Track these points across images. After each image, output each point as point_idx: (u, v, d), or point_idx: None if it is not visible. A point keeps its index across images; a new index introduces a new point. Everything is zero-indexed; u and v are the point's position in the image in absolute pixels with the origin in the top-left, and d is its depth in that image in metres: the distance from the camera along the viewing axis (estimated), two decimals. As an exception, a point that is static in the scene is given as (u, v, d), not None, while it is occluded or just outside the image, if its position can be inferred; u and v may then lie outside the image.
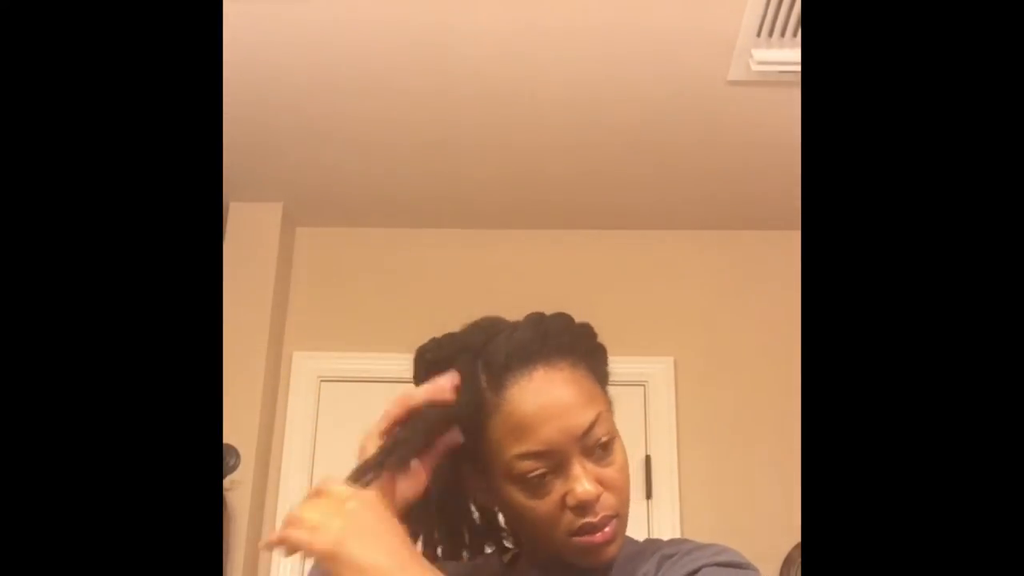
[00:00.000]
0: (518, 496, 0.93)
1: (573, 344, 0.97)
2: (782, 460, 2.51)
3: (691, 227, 2.90)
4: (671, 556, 0.95)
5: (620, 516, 0.95)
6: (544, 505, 0.93)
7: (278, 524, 0.84)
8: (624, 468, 0.95)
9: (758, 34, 2.10)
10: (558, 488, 0.92)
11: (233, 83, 2.28)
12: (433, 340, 1.01)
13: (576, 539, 0.93)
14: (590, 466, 0.92)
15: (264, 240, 2.86)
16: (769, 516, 2.53)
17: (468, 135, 2.54)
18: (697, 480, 2.68)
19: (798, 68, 2.03)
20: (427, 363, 0.98)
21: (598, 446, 0.93)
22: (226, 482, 2.49)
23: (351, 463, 0.92)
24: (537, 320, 0.98)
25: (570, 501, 0.92)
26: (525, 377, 0.93)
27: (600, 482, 0.93)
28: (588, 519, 0.92)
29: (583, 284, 2.75)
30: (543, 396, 0.93)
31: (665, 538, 1.03)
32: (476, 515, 1.04)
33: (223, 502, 2.48)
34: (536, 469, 0.92)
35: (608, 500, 0.93)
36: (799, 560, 2.52)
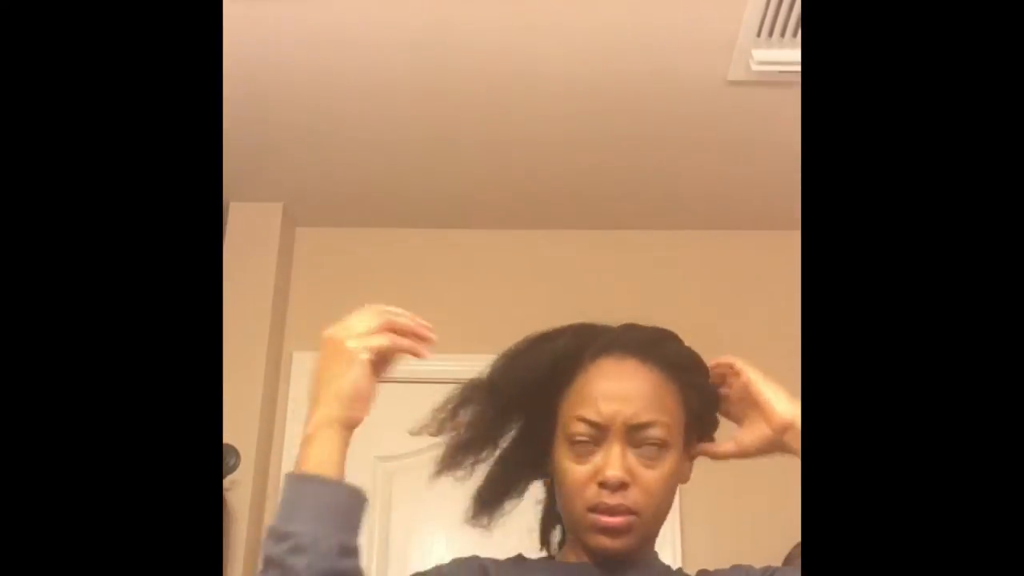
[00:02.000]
0: (565, 456, 1.01)
1: (667, 356, 1.05)
2: (782, 460, 2.51)
3: (691, 227, 2.89)
4: None
5: (641, 517, 0.99)
6: (580, 471, 1.00)
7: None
8: (667, 481, 1.01)
9: (758, 34, 2.10)
10: (596, 460, 0.99)
11: (233, 83, 2.28)
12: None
13: (591, 514, 0.99)
14: (632, 457, 1.00)
15: (264, 240, 2.86)
16: (769, 516, 2.53)
17: (468, 135, 2.53)
18: (696, 479, 2.67)
19: (798, 68, 2.03)
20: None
21: (648, 443, 1.00)
22: (226, 482, 2.48)
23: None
24: (638, 326, 1.09)
25: (599, 476, 0.99)
26: (614, 360, 1.03)
27: (633, 476, 0.99)
28: (606, 499, 0.98)
29: (583, 284, 2.75)
30: (618, 380, 1.02)
31: (662, 532, 1.07)
32: (528, 466, 1.10)
33: (223, 502, 2.48)
34: (584, 434, 1.00)
35: (635, 495, 0.99)
36: (799, 560, 2.52)
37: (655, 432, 1.01)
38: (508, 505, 1.10)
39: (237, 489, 2.56)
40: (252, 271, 2.80)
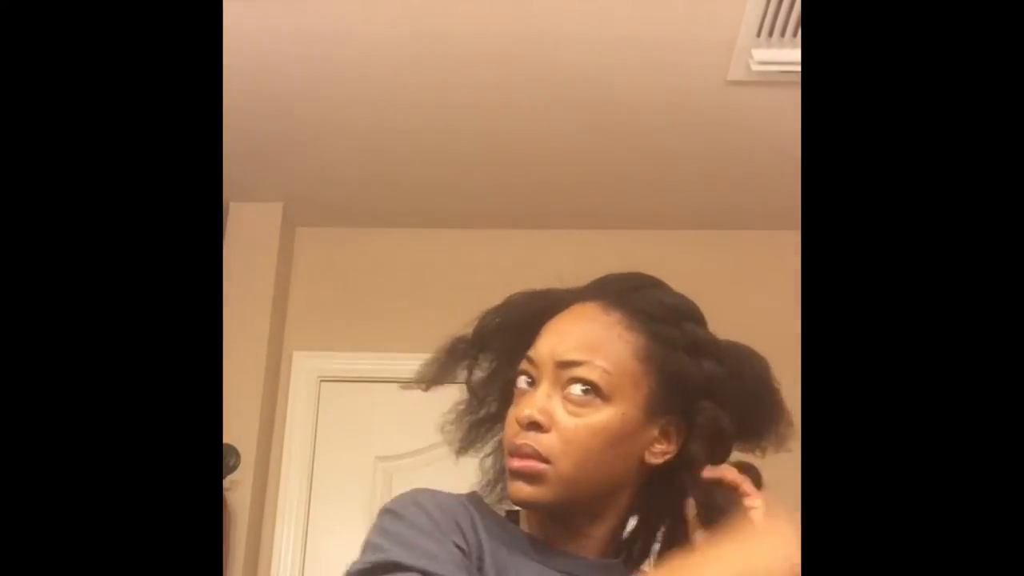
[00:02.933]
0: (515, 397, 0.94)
1: (640, 304, 0.95)
2: (781, 459, 2.51)
3: (691, 227, 2.89)
4: None
5: (555, 468, 0.89)
6: (511, 413, 0.93)
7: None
8: (596, 435, 0.89)
9: (758, 34, 2.10)
10: (524, 401, 0.91)
11: (233, 83, 2.28)
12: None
13: (509, 457, 0.91)
14: (557, 402, 0.90)
15: (264, 240, 2.86)
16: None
17: (468, 135, 2.53)
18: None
19: (798, 68, 2.03)
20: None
21: (576, 385, 0.89)
22: (226, 482, 2.48)
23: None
24: (621, 274, 1.02)
25: (517, 413, 0.91)
26: (580, 305, 0.96)
27: (551, 419, 0.89)
28: (516, 440, 0.90)
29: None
30: (568, 321, 0.94)
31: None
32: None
33: (223, 502, 2.48)
34: (525, 373, 0.93)
35: (548, 441, 0.89)
36: (799, 560, 2.51)
37: (584, 373, 0.89)
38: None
39: (237, 489, 2.56)
40: (252, 271, 2.80)
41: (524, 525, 0.97)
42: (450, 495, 0.93)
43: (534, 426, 0.89)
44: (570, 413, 0.89)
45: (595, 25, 2.12)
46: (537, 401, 0.90)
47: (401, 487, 1.00)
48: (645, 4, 2.05)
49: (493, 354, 1.01)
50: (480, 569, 0.88)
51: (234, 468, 2.47)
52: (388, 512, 0.90)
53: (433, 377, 1.01)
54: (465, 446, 1.02)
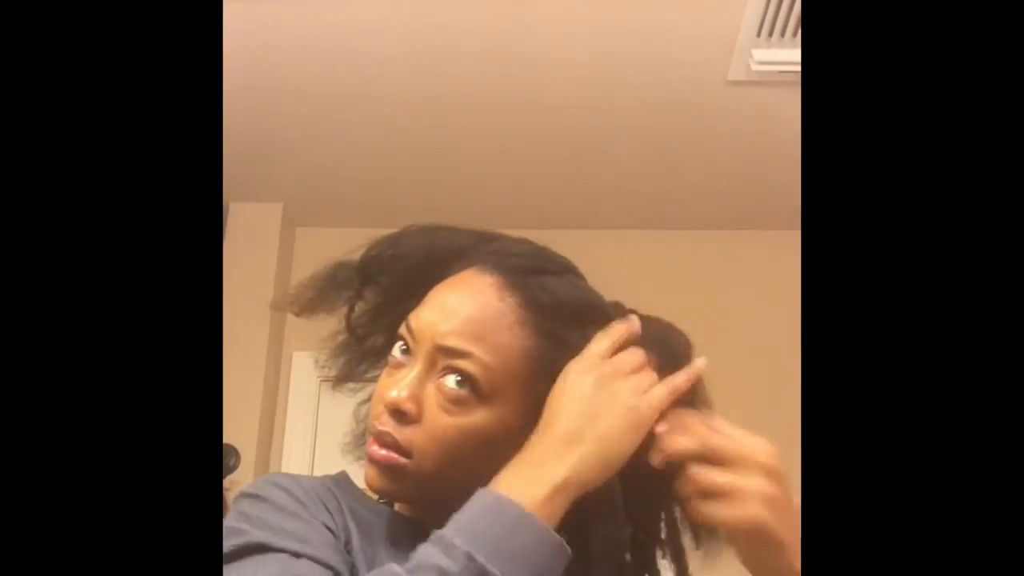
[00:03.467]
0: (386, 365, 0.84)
1: (543, 292, 0.83)
2: (781, 460, 2.51)
3: (691, 227, 2.89)
4: None
5: (413, 464, 0.79)
6: (382, 384, 0.83)
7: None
8: (462, 435, 0.78)
9: (758, 34, 2.10)
10: (395, 378, 0.81)
11: (233, 83, 2.28)
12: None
13: (369, 437, 0.82)
14: (431, 391, 0.79)
15: (264, 240, 2.86)
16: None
17: (467, 135, 2.54)
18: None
19: (798, 68, 2.03)
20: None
21: (452, 376, 0.78)
22: (226, 482, 2.48)
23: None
24: (536, 247, 0.91)
25: (384, 391, 0.80)
26: (476, 272, 0.84)
27: (421, 411, 0.79)
28: (382, 426, 0.79)
29: (583, 284, 2.75)
30: (458, 292, 0.82)
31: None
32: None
33: (223, 502, 2.48)
34: (401, 340, 0.82)
35: (412, 435, 0.79)
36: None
37: (463, 364, 0.78)
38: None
39: (237, 489, 2.55)
40: (252, 271, 2.80)
41: (398, 505, 0.88)
42: (313, 477, 0.87)
43: (399, 414, 0.79)
44: (441, 407, 0.79)
45: (595, 25, 2.12)
46: (409, 385, 0.79)
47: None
48: (645, 4, 2.06)
49: (380, 289, 0.90)
50: (349, 553, 0.79)
51: (234, 468, 2.47)
52: (246, 496, 0.82)
53: (307, 304, 0.90)
54: (342, 379, 0.94)
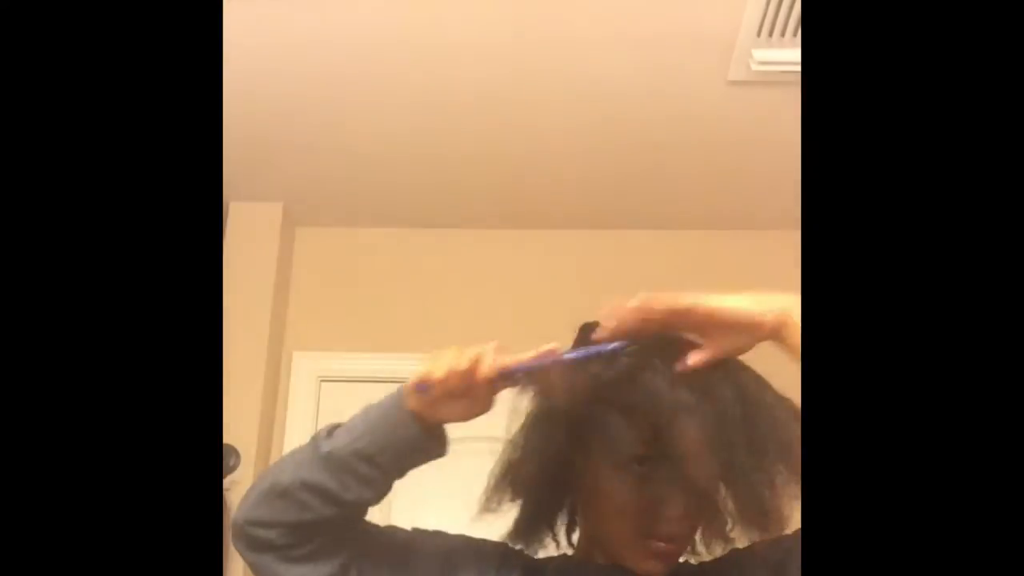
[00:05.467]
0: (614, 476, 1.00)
1: None
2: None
3: (691, 227, 2.89)
4: None
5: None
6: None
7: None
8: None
9: (758, 34, 2.10)
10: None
11: (233, 83, 2.28)
12: None
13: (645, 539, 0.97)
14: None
15: (264, 240, 2.86)
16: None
17: (468, 135, 2.53)
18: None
19: (798, 68, 2.03)
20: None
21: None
22: (226, 482, 2.48)
23: None
24: None
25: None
26: None
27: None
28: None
29: (583, 284, 2.75)
30: None
31: None
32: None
33: (223, 502, 2.48)
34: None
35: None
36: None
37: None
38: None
39: (237, 489, 2.56)
40: (252, 271, 2.80)
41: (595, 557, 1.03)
42: None
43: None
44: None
45: (595, 25, 2.12)
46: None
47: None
48: (645, 4, 2.05)
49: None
50: None
51: (234, 468, 2.47)
52: None
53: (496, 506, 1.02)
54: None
